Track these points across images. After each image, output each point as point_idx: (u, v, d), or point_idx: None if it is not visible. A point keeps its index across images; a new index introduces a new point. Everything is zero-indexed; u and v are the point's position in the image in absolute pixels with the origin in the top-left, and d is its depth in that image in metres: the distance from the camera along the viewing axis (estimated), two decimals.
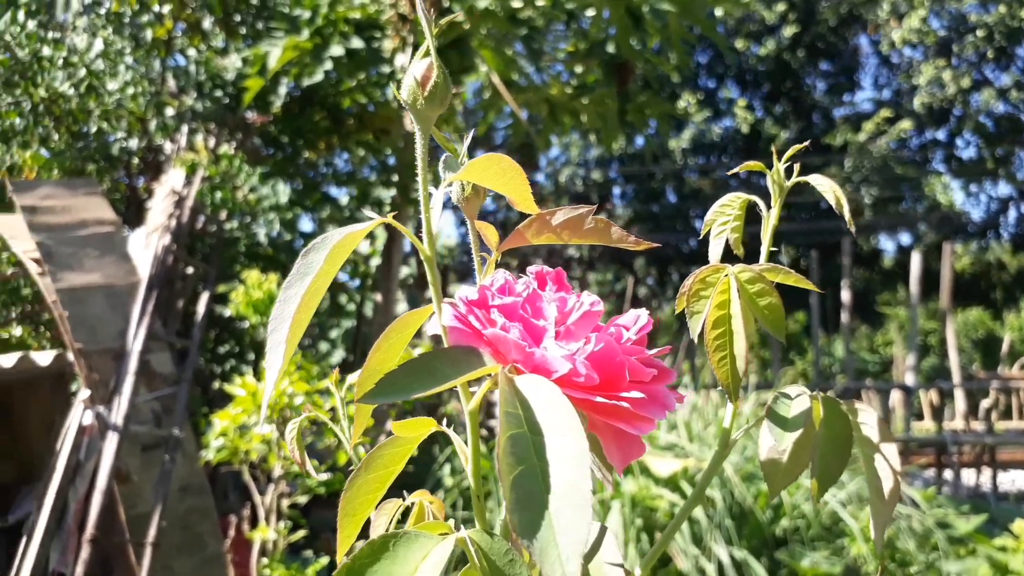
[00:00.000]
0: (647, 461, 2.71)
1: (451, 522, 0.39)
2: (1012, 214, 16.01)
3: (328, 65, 3.22)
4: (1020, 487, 6.17)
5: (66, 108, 3.43)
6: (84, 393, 2.70)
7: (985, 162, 15.00)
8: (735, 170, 0.50)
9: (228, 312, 3.19)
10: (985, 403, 6.50)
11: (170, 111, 3.50)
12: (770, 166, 0.50)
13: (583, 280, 8.80)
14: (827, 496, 2.60)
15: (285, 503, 2.52)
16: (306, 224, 5.13)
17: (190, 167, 3.26)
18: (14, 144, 3.46)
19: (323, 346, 4.35)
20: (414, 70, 0.42)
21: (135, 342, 2.79)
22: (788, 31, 14.42)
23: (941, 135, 15.20)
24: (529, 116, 4.27)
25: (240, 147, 3.65)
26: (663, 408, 0.41)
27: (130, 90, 3.37)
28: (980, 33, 14.02)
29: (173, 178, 3.30)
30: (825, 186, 0.48)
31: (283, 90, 3.40)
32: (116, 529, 2.65)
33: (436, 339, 0.47)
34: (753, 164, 0.49)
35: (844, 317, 8.44)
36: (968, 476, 6.14)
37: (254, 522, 2.70)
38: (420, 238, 0.42)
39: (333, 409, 0.63)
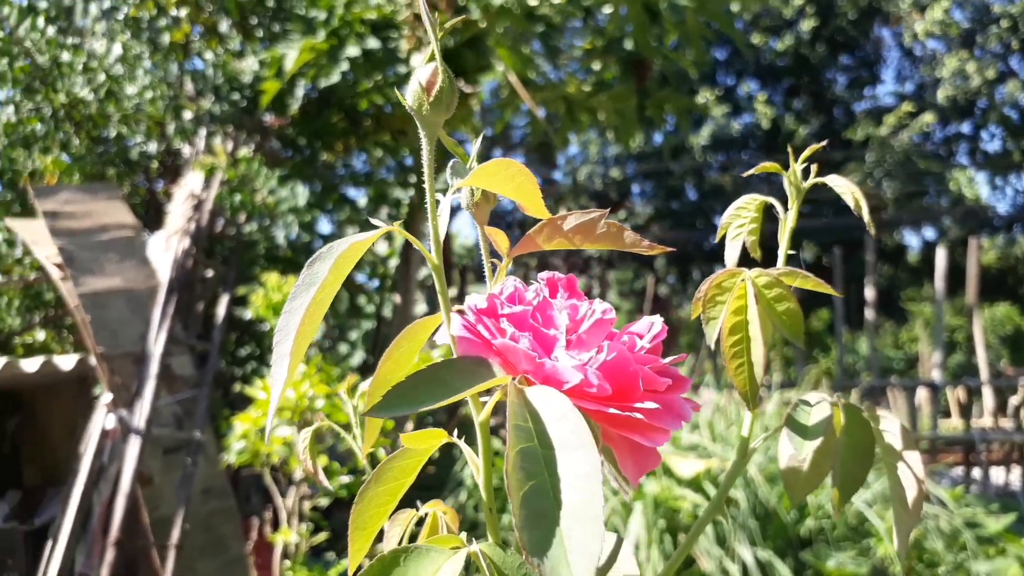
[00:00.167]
0: (670, 462, 2.69)
1: (463, 535, 0.38)
2: None
3: (344, 66, 3.23)
4: None
5: (86, 113, 3.46)
6: (106, 397, 2.72)
7: (1011, 155, 14.80)
8: (751, 171, 0.48)
9: (248, 315, 3.20)
10: (1014, 400, 6.42)
11: (188, 115, 3.52)
12: (789, 164, 0.49)
13: (603, 279, 8.77)
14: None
15: (307, 505, 2.53)
16: (324, 226, 5.15)
17: (209, 170, 3.28)
18: (35, 149, 3.50)
19: (343, 348, 4.36)
20: (419, 75, 0.41)
21: (156, 345, 2.81)
22: (806, 25, 14.30)
23: (966, 128, 15.02)
24: (547, 114, 4.25)
25: (258, 150, 3.66)
26: (679, 418, 0.40)
27: (148, 94, 3.40)
28: (1004, 24, 13.83)
29: (192, 181, 3.32)
30: (843, 187, 0.46)
31: (300, 92, 3.41)
32: (140, 532, 2.67)
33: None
34: (770, 165, 0.48)
35: (868, 314, 8.36)
36: (997, 474, 6.07)
37: (276, 524, 2.71)
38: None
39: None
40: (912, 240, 16.24)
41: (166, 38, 3.57)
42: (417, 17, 3.27)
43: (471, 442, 0.43)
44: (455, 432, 0.43)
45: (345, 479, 2.44)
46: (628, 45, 3.80)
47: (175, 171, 3.73)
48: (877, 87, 16.46)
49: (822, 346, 12.79)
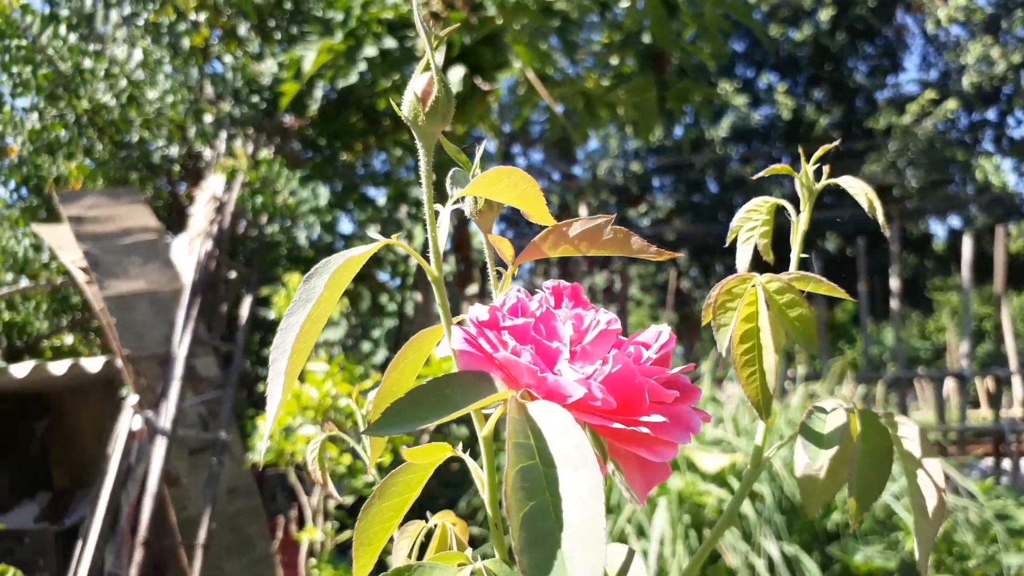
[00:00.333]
0: (694, 457, 2.67)
1: (470, 552, 0.38)
2: None
3: (362, 66, 3.23)
4: None
5: (108, 118, 3.49)
6: (133, 398, 2.75)
7: None
8: (761, 174, 0.47)
9: (271, 315, 3.22)
10: None
11: (209, 118, 3.54)
12: (809, 156, 0.48)
13: (624, 273, 8.73)
14: None
15: (332, 504, 2.54)
16: (346, 226, 5.16)
17: (230, 173, 3.30)
18: (60, 155, 3.54)
19: (366, 346, 4.37)
20: (414, 85, 0.40)
21: (180, 347, 2.83)
22: (825, 14, 14.14)
23: (991, 114, 14.80)
24: (565, 110, 4.24)
25: (279, 151, 3.68)
26: (687, 431, 0.38)
27: (169, 98, 3.42)
28: None
29: (214, 184, 3.34)
30: (856, 188, 0.45)
31: (319, 93, 3.42)
32: (167, 531, 2.70)
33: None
34: (780, 167, 0.46)
35: (894, 304, 8.27)
36: None
37: (301, 523, 2.72)
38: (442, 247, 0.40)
39: None
40: (938, 229, 16.03)
41: (186, 42, 3.60)
42: (434, 16, 3.26)
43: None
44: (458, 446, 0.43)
45: (368, 477, 2.44)
46: (646, 39, 3.77)
47: (197, 174, 3.76)
48: (899, 75, 16.24)
49: (847, 338, 12.68)
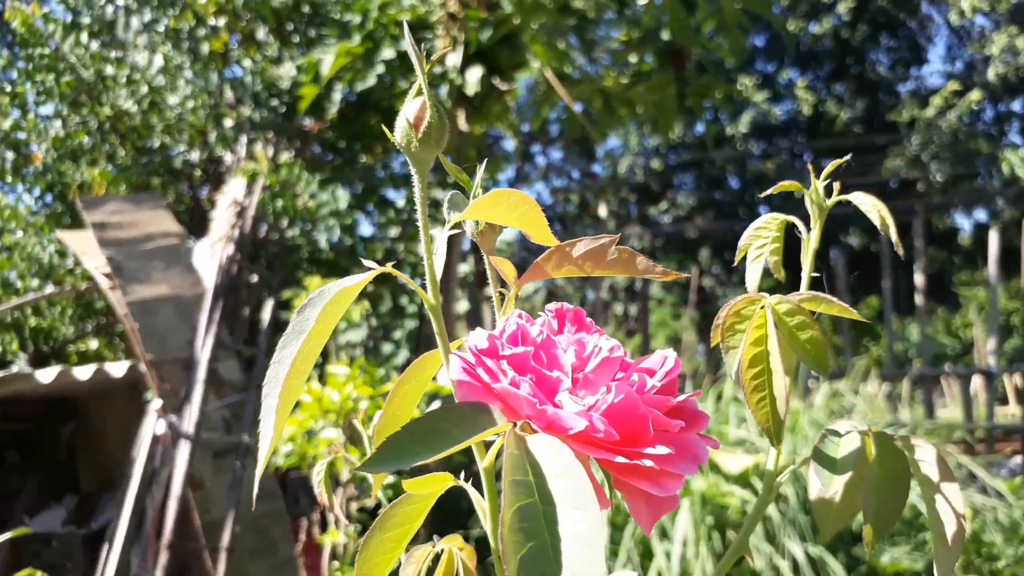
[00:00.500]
0: (717, 458, 2.65)
1: None
2: None
3: (380, 69, 3.23)
4: None
5: (130, 125, 3.52)
6: (156, 403, 2.77)
7: None
8: (767, 192, 0.46)
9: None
10: None
11: (229, 122, 3.56)
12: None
13: None
14: None
15: (354, 506, 2.55)
16: (366, 228, 5.17)
17: (250, 177, 3.31)
18: (83, 162, 3.57)
19: (386, 348, 4.38)
20: (406, 111, 0.39)
21: (203, 351, 2.85)
22: (844, 7, 13.97)
23: (1017, 106, 14.58)
24: (584, 109, 4.22)
25: (298, 154, 3.69)
26: (694, 461, 0.37)
27: (190, 104, 3.44)
28: None
29: (234, 188, 3.36)
30: (868, 205, 0.44)
31: (337, 96, 3.43)
32: (192, 535, 2.72)
33: None
34: (789, 184, 0.45)
35: (919, 300, 8.17)
36: None
37: (324, 526, 2.73)
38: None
39: None
40: (963, 223, 15.81)
41: (205, 48, 3.62)
42: (451, 17, 3.26)
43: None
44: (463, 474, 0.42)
45: (389, 479, 2.44)
46: (664, 35, 3.75)
47: (218, 178, 3.78)
48: (922, 67, 16.03)
49: (872, 334, 12.54)
